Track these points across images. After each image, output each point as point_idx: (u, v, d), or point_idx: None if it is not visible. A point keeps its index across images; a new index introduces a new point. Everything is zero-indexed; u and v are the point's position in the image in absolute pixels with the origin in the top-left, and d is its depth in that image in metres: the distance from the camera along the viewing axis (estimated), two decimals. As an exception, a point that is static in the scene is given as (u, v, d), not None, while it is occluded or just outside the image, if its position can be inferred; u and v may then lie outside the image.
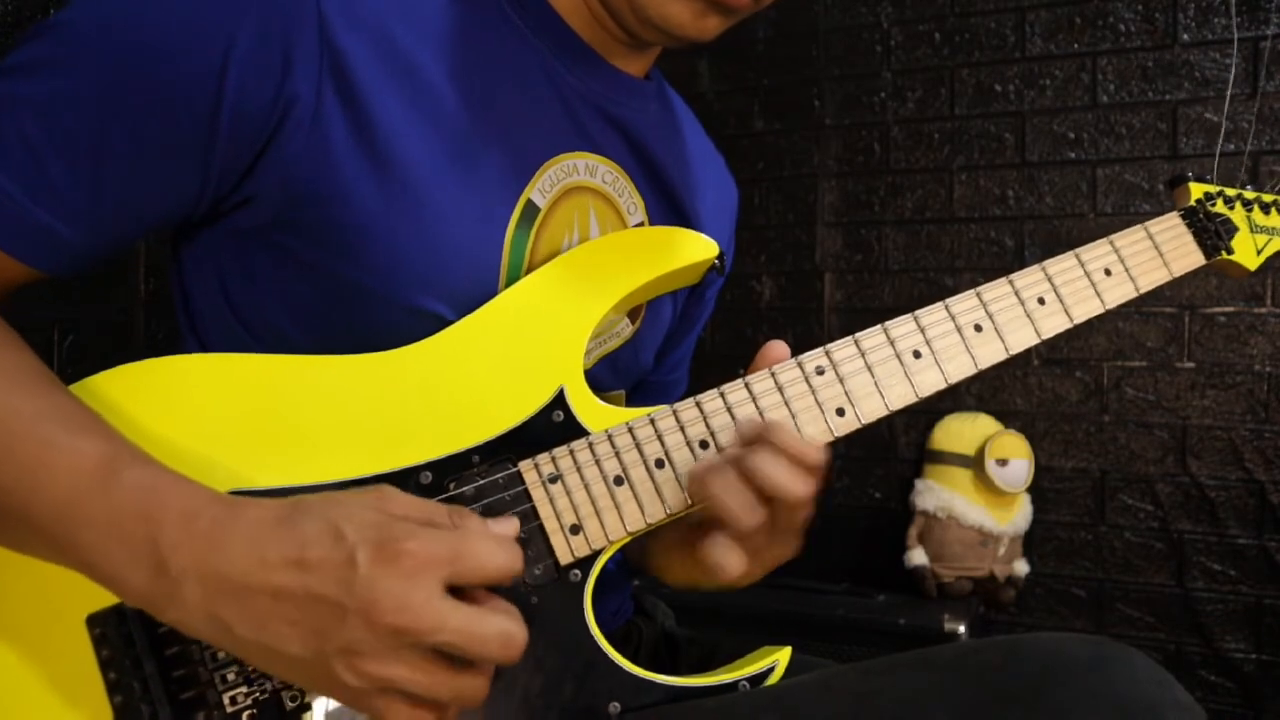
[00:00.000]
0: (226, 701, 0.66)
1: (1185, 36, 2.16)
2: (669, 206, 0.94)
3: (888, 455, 2.41)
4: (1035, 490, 2.25)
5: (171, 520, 0.60)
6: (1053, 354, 2.27)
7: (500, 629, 0.60)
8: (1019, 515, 2.20)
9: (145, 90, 0.68)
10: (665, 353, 1.04)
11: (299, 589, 0.58)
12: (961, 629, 1.97)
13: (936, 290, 2.38)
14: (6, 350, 0.68)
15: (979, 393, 2.33)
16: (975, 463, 2.19)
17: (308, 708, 0.67)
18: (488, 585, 0.62)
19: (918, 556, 2.18)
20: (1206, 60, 2.15)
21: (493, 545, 0.61)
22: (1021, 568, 2.19)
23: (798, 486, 0.72)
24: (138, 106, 0.68)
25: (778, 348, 0.81)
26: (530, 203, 0.81)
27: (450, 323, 0.77)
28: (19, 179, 0.68)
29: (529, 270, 0.81)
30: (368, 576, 0.57)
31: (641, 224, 0.91)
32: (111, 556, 0.60)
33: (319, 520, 0.60)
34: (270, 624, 0.59)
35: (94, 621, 0.67)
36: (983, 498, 2.18)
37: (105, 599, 0.66)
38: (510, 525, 0.67)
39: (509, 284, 0.80)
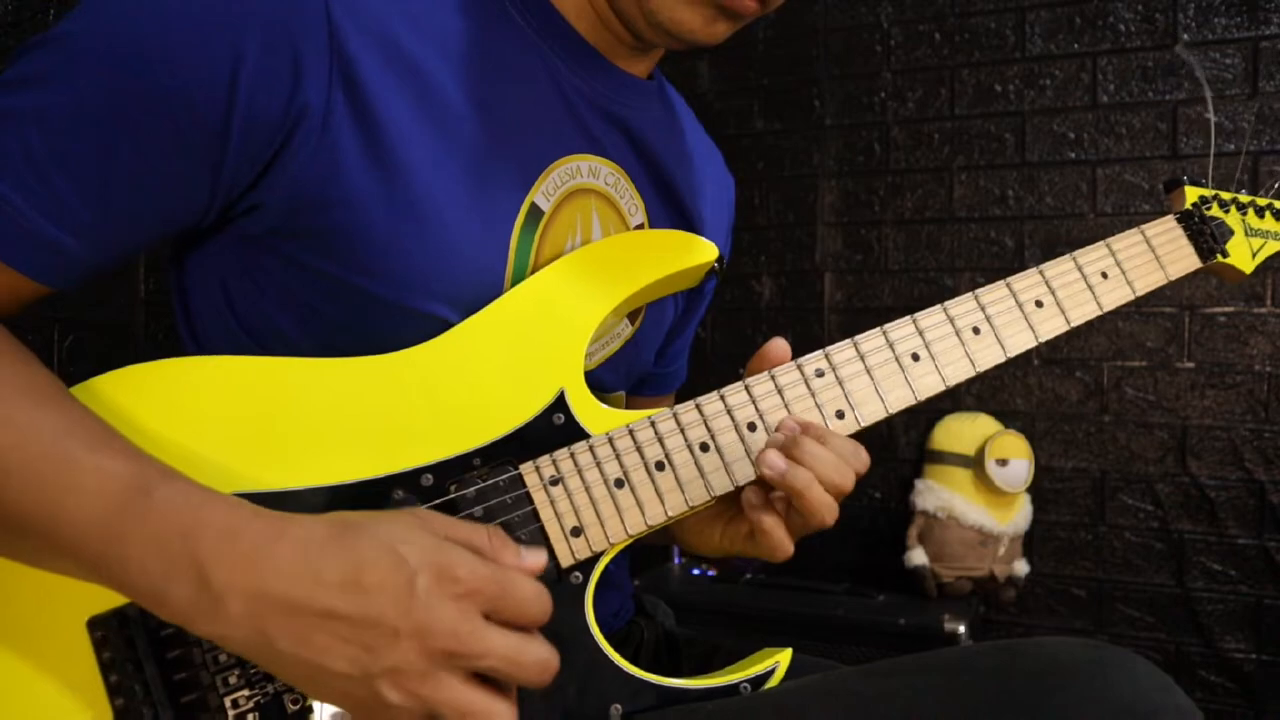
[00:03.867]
0: (228, 704, 0.66)
1: (1185, 36, 2.16)
2: (670, 206, 0.95)
3: (888, 455, 2.41)
4: (1035, 490, 2.25)
5: (212, 536, 0.60)
6: (1053, 354, 2.27)
7: (539, 656, 0.63)
8: (1019, 515, 2.20)
9: (153, 102, 0.67)
10: (665, 347, 1.04)
11: (355, 610, 0.59)
12: (961, 629, 1.97)
13: (936, 290, 2.38)
14: (19, 366, 0.66)
15: (979, 393, 2.33)
16: (975, 463, 2.20)
17: (310, 710, 0.67)
18: (520, 626, 0.64)
19: (918, 556, 2.18)
20: (1206, 60, 2.15)
21: (533, 591, 0.63)
22: (1021, 568, 2.19)
23: (846, 477, 0.76)
24: (145, 118, 0.67)
25: (778, 346, 0.81)
26: (535, 205, 0.81)
27: (452, 325, 0.77)
28: (25, 193, 0.66)
29: (533, 272, 0.81)
30: (426, 602, 0.59)
31: (642, 225, 0.91)
32: (150, 573, 0.60)
33: (376, 541, 0.61)
34: (318, 640, 0.59)
35: (95, 624, 0.66)
36: (983, 498, 2.18)
37: (106, 602, 0.66)
38: (540, 558, 0.67)
39: (514, 286, 0.80)
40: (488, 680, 0.62)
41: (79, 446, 0.62)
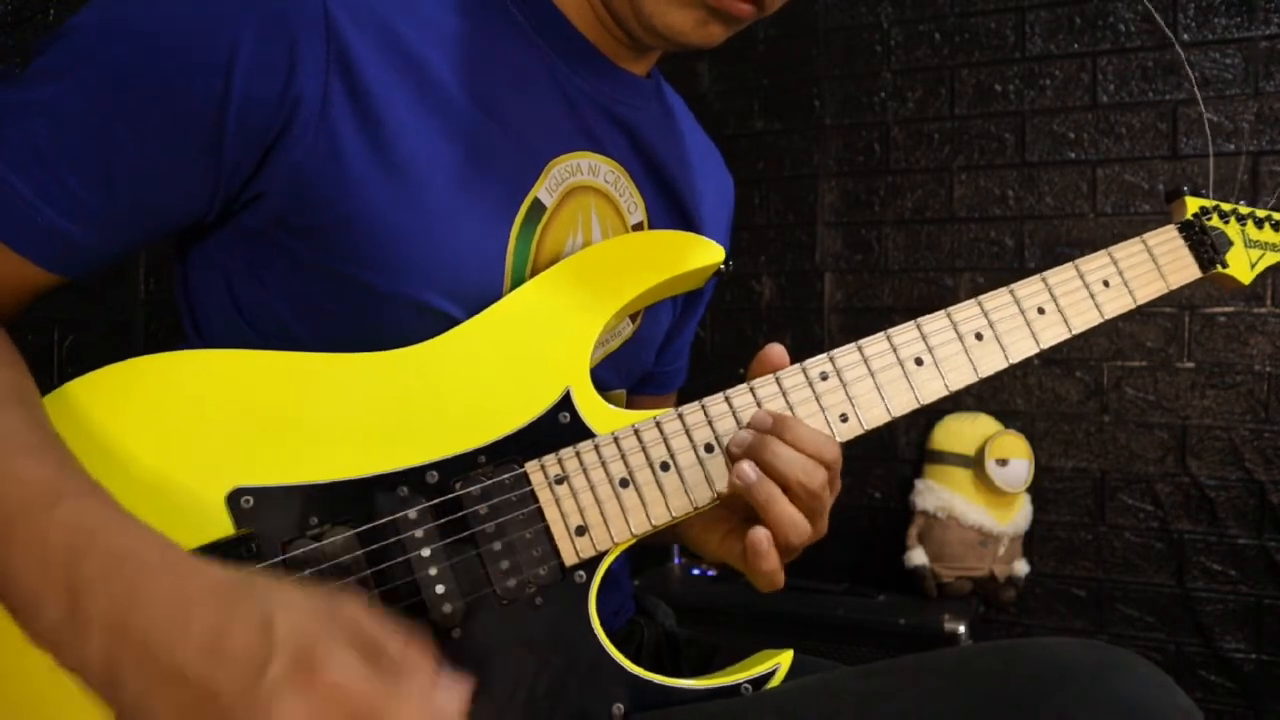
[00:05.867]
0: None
1: (1185, 36, 2.16)
2: (669, 204, 0.95)
3: (888, 455, 2.42)
4: (1035, 490, 2.25)
5: (98, 560, 0.56)
6: (1053, 354, 2.27)
7: None
8: (1019, 515, 2.20)
9: (152, 91, 0.69)
10: (665, 346, 1.04)
11: (201, 675, 0.53)
12: (961, 629, 1.97)
13: (936, 290, 2.38)
14: None
15: (979, 393, 2.33)
16: (975, 463, 2.20)
17: None
18: None
19: (918, 556, 2.18)
20: (1206, 60, 2.15)
21: None
22: (1021, 568, 2.19)
23: (814, 479, 0.75)
24: (145, 107, 0.69)
25: (777, 351, 0.81)
26: (537, 201, 0.81)
27: (455, 320, 0.77)
28: (33, 183, 0.68)
29: (533, 269, 0.82)
30: (271, 690, 0.52)
31: (641, 224, 0.92)
32: (25, 588, 0.56)
33: (253, 604, 0.55)
34: (154, 702, 0.53)
35: None
36: (983, 498, 2.18)
37: None
38: (459, 695, 0.57)
39: (514, 282, 0.80)
40: None
41: (5, 450, 0.60)
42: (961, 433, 2.25)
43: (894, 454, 2.41)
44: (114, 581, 0.55)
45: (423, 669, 0.57)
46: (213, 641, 0.53)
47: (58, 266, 0.71)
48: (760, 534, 0.76)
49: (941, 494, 2.20)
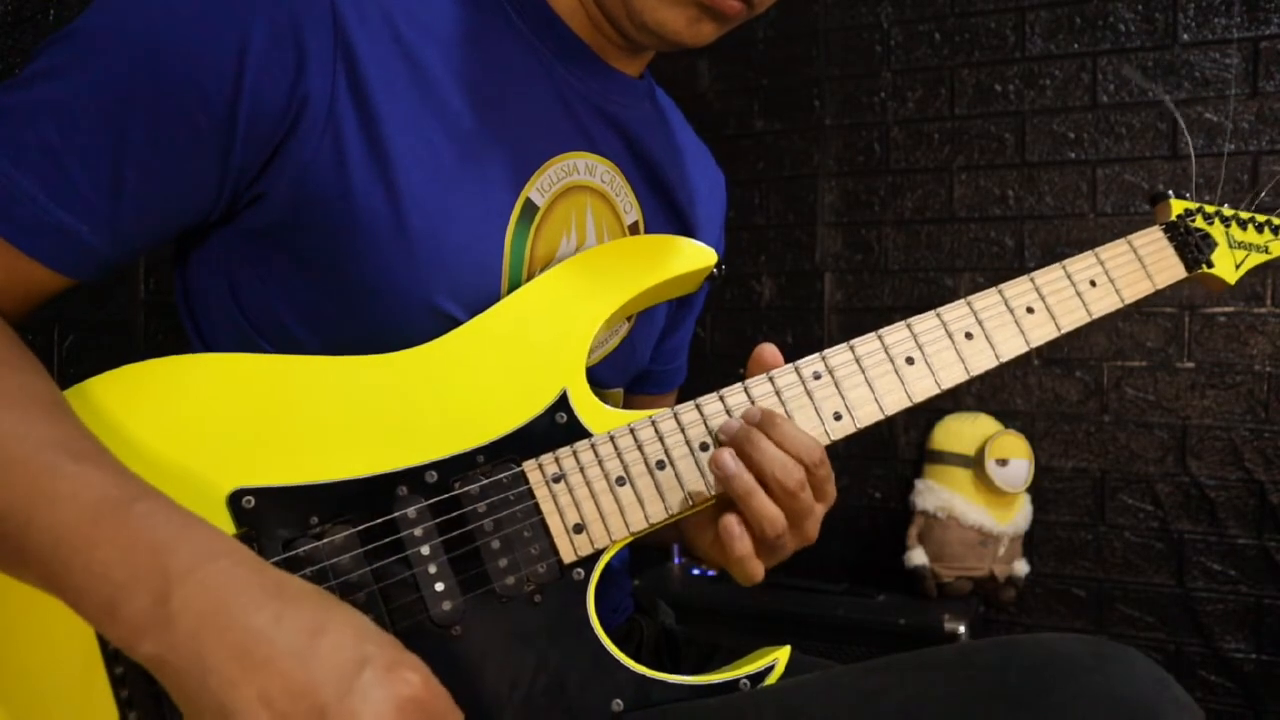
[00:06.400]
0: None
1: (1185, 36, 2.16)
2: (664, 204, 0.96)
3: (888, 455, 2.42)
4: (1035, 490, 2.25)
5: (187, 554, 0.58)
6: (1053, 354, 2.27)
7: None
8: (1019, 515, 2.20)
9: (162, 91, 0.69)
10: (661, 343, 1.05)
11: (296, 669, 0.55)
12: (961, 629, 1.97)
13: (936, 290, 2.38)
14: (17, 375, 0.67)
15: (979, 393, 2.33)
16: (975, 463, 2.20)
17: None
18: None
19: (918, 556, 2.18)
20: (1206, 60, 2.15)
21: None
22: (1021, 568, 2.19)
23: (791, 476, 0.74)
24: (155, 107, 0.69)
25: (770, 351, 0.82)
26: (529, 201, 0.82)
27: (455, 321, 0.78)
28: (42, 183, 0.68)
29: (529, 268, 0.82)
30: (364, 691, 0.55)
31: (636, 223, 0.92)
32: (111, 580, 0.58)
33: (347, 612, 0.59)
34: (243, 693, 0.55)
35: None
36: (983, 498, 2.18)
37: None
38: None
39: (510, 282, 0.81)
40: None
41: (64, 457, 0.61)
42: (961, 433, 2.25)
43: (894, 454, 2.41)
44: (208, 573, 0.58)
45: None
46: (311, 635, 0.56)
47: (66, 268, 0.71)
48: (730, 518, 0.77)
49: (941, 494, 2.21)
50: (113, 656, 0.66)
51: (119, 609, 0.58)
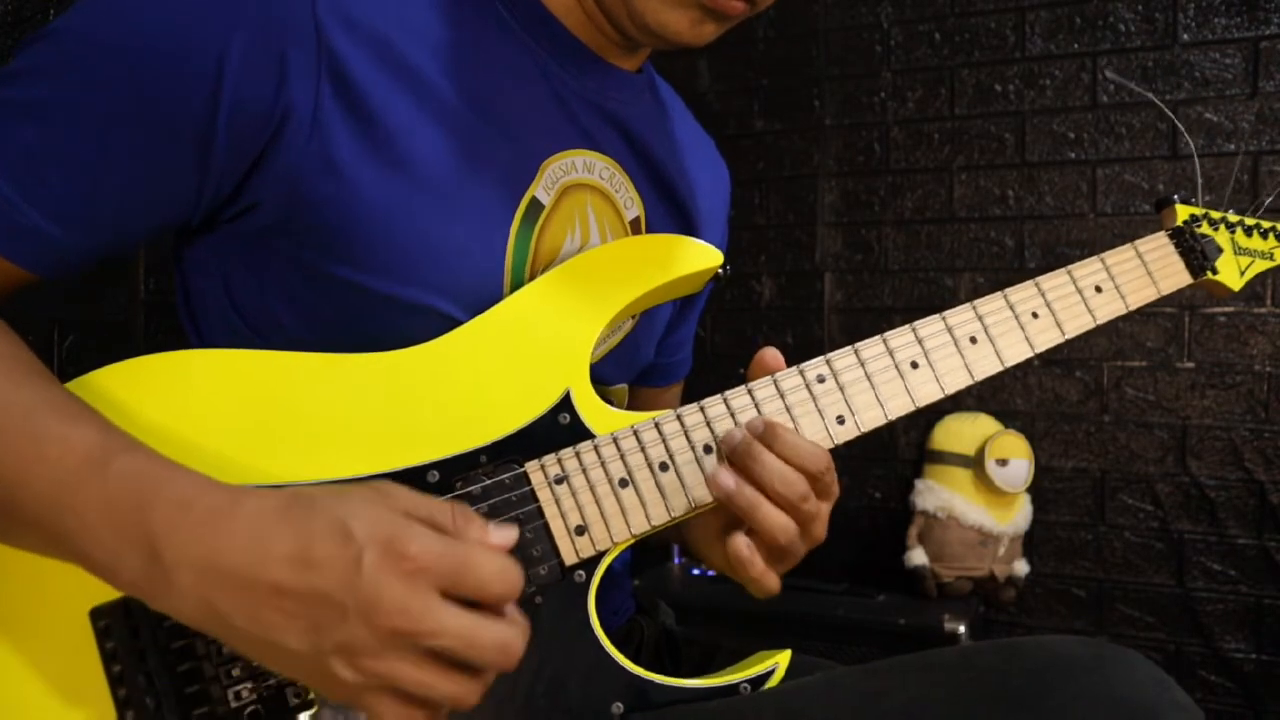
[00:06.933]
0: (230, 697, 0.67)
1: (1185, 36, 2.16)
2: (666, 200, 0.95)
3: (888, 455, 2.42)
4: (1035, 490, 2.25)
5: (165, 507, 0.59)
6: (1053, 354, 2.27)
7: (497, 637, 0.60)
8: (1019, 515, 2.20)
9: (141, 96, 0.68)
10: (665, 339, 1.05)
11: (302, 585, 0.58)
12: (961, 629, 1.97)
13: (936, 290, 2.38)
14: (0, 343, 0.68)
15: (979, 393, 2.33)
16: (975, 463, 2.20)
17: (311, 705, 0.68)
18: (486, 603, 0.61)
19: (918, 556, 2.18)
20: (1206, 60, 2.15)
21: (496, 568, 0.60)
22: (1021, 568, 2.19)
23: (794, 489, 0.74)
24: (134, 111, 0.69)
25: (771, 354, 0.82)
26: (535, 200, 0.82)
27: (456, 321, 0.78)
28: (14, 182, 0.68)
29: (532, 268, 0.82)
30: (372, 578, 0.57)
31: (638, 219, 0.92)
32: (104, 544, 0.60)
33: (325, 515, 0.59)
34: (268, 616, 0.58)
35: (98, 614, 0.67)
36: (983, 498, 2.18)
37: (109, 592, 0.66)
38: (509, 534, 0.64)
39: (513, 282, 0.80)
40: (456, 662, 0.60)
41: (48, 418, 0.63)
42: (961, 433, 2.25)
43: (894, 454, 2.41)
44: (187, 525, 0.59)
45: (473, 517, 0.64)
46: (301, 556, 0.58)
47: (38, 266, 0.71)
48: (739, 541, 0.77)
49: (941, 494, 2.21)
50: (110, 655, 0.66)
51: (119, 572, 0.60)
